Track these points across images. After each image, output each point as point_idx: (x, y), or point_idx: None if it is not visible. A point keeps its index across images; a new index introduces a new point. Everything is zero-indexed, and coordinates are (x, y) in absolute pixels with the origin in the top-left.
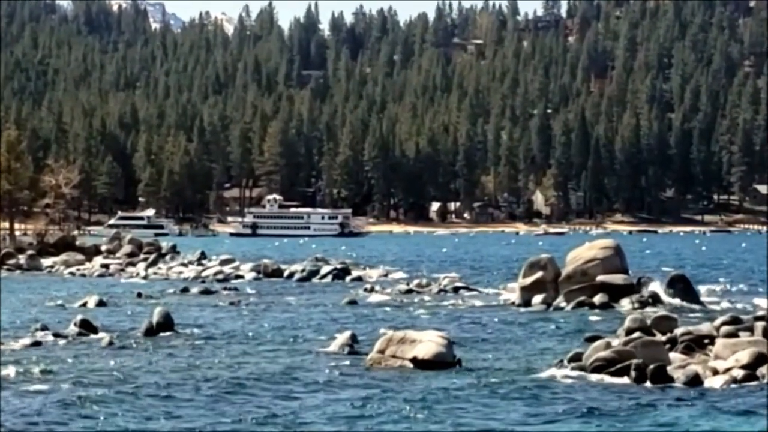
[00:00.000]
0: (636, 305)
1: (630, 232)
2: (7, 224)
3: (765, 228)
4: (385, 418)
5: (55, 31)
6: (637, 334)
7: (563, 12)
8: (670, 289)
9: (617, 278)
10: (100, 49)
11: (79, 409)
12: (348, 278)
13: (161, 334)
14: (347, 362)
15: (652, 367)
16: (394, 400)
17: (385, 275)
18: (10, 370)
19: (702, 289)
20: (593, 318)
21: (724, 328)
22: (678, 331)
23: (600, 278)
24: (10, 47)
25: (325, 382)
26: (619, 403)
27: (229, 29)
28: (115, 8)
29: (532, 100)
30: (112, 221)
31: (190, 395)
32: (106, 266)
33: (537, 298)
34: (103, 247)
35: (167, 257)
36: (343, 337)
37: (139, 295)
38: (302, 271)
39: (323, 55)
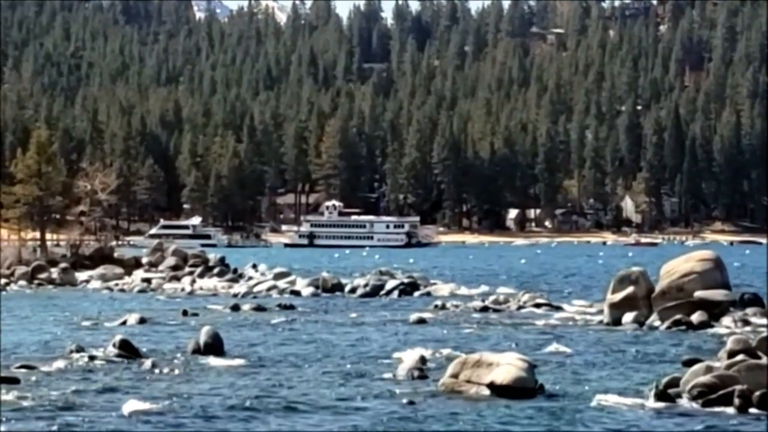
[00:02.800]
0: (739, 324)
1: (731, 243)
2: (38, 234)
3: None
4: None
5: (90, 20)
6: (740, 357)
7: None
8: None
9: (718, 294)
10: (139, 40)
11: None
12: (416, 294)
13: (209, 356)
14: (416, 388)
15: (758, 393)
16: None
17: (458, 290)
18: (36, 396)
19: None
20: (691, 339)
21: None
22: None
23: (698, 294)
24: (40, 39)
25: (392, 412)
26: None
27: (282, 18)
28: None
29: (619, 96)
30: (153, 231)
31: (240, 426)
32: (147, 280)
33: (628, 317)
34: (144, 260)
35: (215, 270)
36: (411, 360)
37: (185, 312)
38: (365, 286)
39: (386, 47)
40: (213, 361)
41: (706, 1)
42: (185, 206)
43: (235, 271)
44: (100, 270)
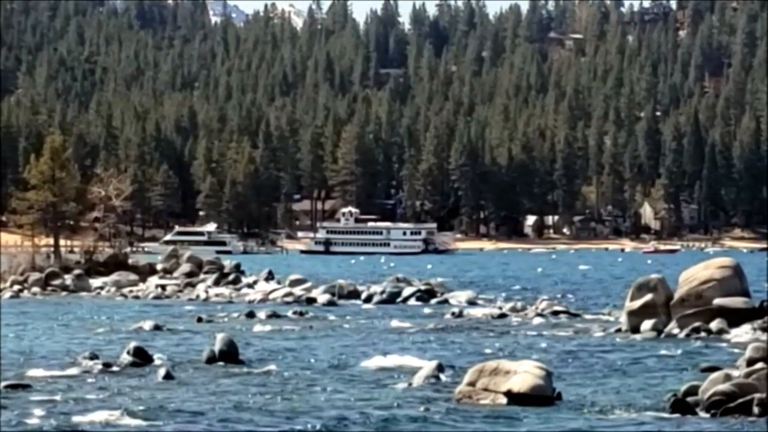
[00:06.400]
0: (759, 332)
1: (751, 251)
2: (51, 240)
3: None
4: None
5: (104, 25)
6: (760, 365)
7: (673, 3)
8: None
9: (737, 302)
10: (154, 45)
11: None
12: (433, 301)
13: (224, 363)
14: (433, 396)
15: None
16: None
17: (475, 298)
18: (48, 403)
19: None
20: (710, 346)
21: None
22: None
23: (717, 302)
24: (54, 43)
25: (408, 420)
26: None
27: (298, 23)
28: (170, 0)
29: (638, 102)
30: (168, 237)
31: None
32: (162, 287)
33: (646, 324)
34: (159, 266)
35: (230, 277)
36: (428, 368)
37: (200, 319)
38: (382, 293)
39: (403, 52)
40: (228, 368)
41: (725, 6)
42: (200, 213)
43: (250, 277)
44: (114, 277)
